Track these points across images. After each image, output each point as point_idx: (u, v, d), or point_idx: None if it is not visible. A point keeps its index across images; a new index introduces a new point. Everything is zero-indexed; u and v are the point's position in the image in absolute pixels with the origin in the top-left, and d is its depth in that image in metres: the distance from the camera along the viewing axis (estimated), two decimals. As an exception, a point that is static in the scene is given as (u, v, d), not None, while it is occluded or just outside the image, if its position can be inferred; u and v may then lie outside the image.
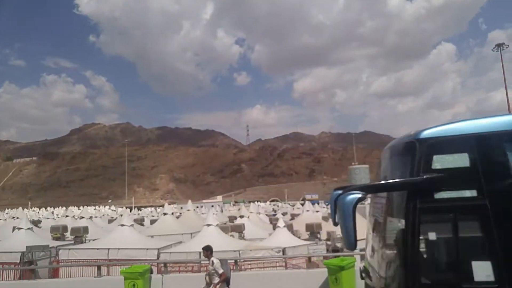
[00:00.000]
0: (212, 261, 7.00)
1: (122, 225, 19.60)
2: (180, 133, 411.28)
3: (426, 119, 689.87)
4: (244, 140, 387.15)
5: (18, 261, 16.67)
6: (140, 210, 76.64)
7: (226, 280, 6.84)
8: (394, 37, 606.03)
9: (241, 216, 31.40)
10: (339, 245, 21.49)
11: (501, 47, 78.02)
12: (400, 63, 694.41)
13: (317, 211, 38.81)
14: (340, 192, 3.31)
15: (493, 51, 78.79)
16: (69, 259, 17.53)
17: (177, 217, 33.66)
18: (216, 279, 6.80)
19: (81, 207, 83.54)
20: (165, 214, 27.55)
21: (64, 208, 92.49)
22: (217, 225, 20.74)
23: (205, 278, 7.35)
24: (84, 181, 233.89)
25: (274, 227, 24.28)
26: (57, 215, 55.86)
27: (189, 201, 38.68)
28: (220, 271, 6.81)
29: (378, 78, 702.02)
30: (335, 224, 3.46)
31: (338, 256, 9.61)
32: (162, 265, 11.94)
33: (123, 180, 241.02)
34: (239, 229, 23.25)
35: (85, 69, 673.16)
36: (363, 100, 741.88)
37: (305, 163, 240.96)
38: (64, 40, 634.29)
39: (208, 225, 19.63)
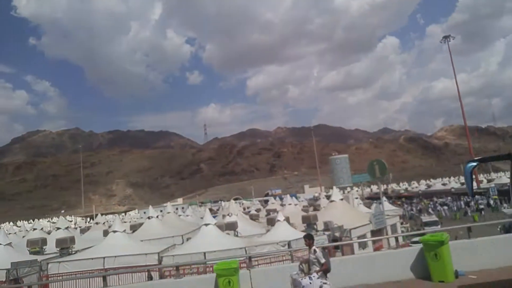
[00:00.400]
0: (314, 250, 6.70)
1: (115, 231, 18.15)
2: (133, 136, 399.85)
3: (376, 109, 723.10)
4: (200, 139, 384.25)
5: (3, 279, 14.88)
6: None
7: (326, 271, 6.44)
8: (342, 32, 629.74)
9: (224, 216, 30.71)
10: (337, 234, 21.67)
11: (448, 39, 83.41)
12: (349, 57, 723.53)
13: (296, 204, 39.12)
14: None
15: (441, 42, 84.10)
16: (59, 273, 15.93)
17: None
18: (317, 268, 6.42)
19: (31, 221, 77.39)
20: (149, 217, 26.07)
21: (11, 223, 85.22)
22: (215, 224, 20.00)
23: (300, 266, 7.07)
24: (32, 192, 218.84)
25: (271, 222, 23.96)
26: (9, 231, 50.51)
27: (150, 206, 36.94)
28: (323, 260, 6.52)
29: (328, 72, 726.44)
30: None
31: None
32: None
33: (75, 189, 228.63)
34: (233, 227, 22.57)
35: (26, 73, 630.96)
36: (314, 95, 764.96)
37: (265, 159, 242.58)
38: (2, 44, 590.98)
39: (207, 224, 18.92)
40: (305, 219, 22.78)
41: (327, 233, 21.23)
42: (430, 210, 49.02)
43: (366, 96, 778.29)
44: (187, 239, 21.68)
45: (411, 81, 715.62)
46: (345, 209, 27.67)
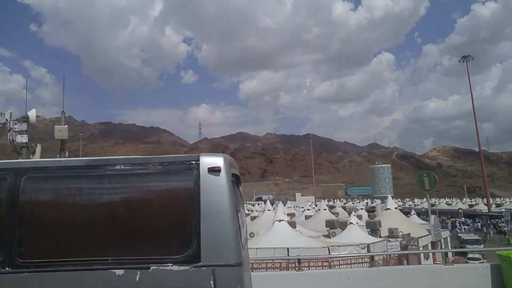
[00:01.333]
0: None
1: (280, 220, 19.08)
2: (125, 129, 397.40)
3: (366, 124, 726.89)
4: (189, 138, 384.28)
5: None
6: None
7: None
8: (338, 44, 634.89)
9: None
10: (404, 242, 21.24)
11: (467, 59, 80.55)
12: (343, 69, 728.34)
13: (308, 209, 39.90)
14: None
15: (460, 62, 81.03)
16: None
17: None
18: None
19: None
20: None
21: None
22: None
23: None
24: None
25: (331, 225, 24.83)
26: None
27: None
28: None
29: (321, 83, 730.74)
30: None
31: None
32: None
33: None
34: (294, 226, 22.26)
35: (25, 59, 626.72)
36: (306, 104, 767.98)
37: (257, 163, 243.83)
38: (2, 27, 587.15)
39: (280, 220, 19.52)
40: (369, 224, 23.35)
41: (398, 239, 21.29)
42: (463, 228, 47.94)
43: (357, 110, 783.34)
44: (251, 234, 21.22)
45: (403, 99, 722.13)
46: (401, 218, 27.92)
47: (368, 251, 16.11)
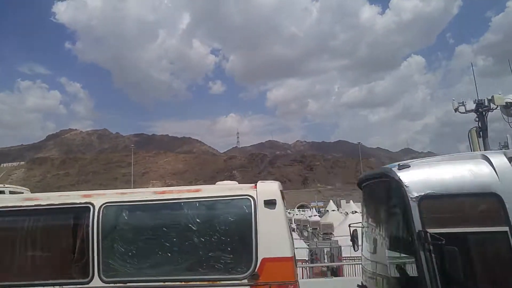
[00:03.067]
0: None
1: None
2: (158, 139, 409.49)
3: (396, 129, 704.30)
4: (218, 147, 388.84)
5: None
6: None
7: None
8: (366, 49, 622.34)
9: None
10: None
11: None
12: (372, 74, 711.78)
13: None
14: None
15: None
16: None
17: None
18: None
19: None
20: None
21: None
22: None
23: None
24: (75, 186, 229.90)
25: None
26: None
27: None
28: None
29: (349, 89, 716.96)
30: None
31: None
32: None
33: (114, 186, 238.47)
34: None
35: (60, 75, 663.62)
36: (334, 110, 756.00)
37: (297, 170, 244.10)
38: (40, 47, 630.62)
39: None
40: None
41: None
42: None
43: (387, 115, 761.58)
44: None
45: (435, 102, 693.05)
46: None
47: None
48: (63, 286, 4.86)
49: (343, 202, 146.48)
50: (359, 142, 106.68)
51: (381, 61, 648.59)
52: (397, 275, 4.33)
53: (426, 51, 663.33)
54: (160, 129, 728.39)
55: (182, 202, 5.07)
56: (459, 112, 10.65)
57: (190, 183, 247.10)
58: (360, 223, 5.79)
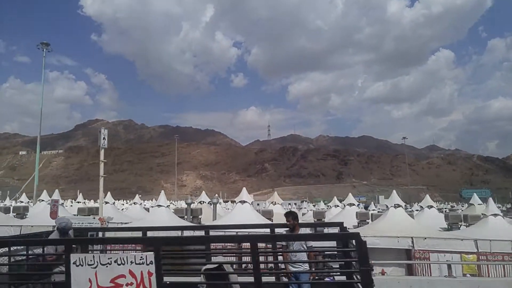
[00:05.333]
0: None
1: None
2: (182, 131, 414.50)
3: (421, 125, 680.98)
4: (239, 139, 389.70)
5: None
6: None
7: None
8: (392, 43, 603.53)
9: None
10: None
11: None
12: (397, 69, 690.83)
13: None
14: None
15: None
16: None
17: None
18: None
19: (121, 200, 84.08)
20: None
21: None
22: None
23: None
24: (112, 175, 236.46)
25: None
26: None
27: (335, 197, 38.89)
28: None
29: (373, 83, 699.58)
30: None
31: None
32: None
33: (149, 176, 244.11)
34: None
35: (86, 66, 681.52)
36: (357, 105, 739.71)
37: (331, 165, 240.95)
38: (67, 38, 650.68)
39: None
40: None
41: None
42: None
43: (412, 111, 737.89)
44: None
45: (463, 99, 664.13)
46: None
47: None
48: None
49: (381, 197, 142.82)
50: (404, 137, 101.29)
51: (408, 55, 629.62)
52: None
53: (456, 45, 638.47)
54: (182, 121, 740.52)
55: None
56: None
57: (223, 174, 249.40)
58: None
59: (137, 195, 45.33)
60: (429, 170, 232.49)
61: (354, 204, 32.80)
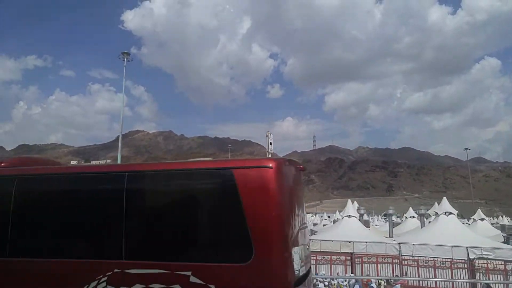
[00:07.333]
0: None
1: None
2: (220, 142, 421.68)
3: (464, 136, 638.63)
4: (276, 150, 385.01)
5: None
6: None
7: None
8: (433, 52, 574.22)
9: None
10: None
11: None
12: (438, 78, 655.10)
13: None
14: None
15: None
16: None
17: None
18: None
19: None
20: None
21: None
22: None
23: None
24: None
25: None
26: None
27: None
28: None
29: (413, 93, 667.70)
30: None
31: None
32: None
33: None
34: None
35: (126, 79, 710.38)
36: (396, 116, 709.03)
37: (381, 177, 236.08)
38: (109, 52, 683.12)
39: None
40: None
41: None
42: None
43: (453, 121, 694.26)
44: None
45: (511, 108, 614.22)
46: None
47: None
48: None
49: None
50: (467, 148, 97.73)
51: (450, 64, 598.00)
52: None
53: (502, 52, 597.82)
54: (219, 132, 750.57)
55: None
56: None
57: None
58: None
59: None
60: (486, 183, 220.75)
61: (423, 215, 33.93)
